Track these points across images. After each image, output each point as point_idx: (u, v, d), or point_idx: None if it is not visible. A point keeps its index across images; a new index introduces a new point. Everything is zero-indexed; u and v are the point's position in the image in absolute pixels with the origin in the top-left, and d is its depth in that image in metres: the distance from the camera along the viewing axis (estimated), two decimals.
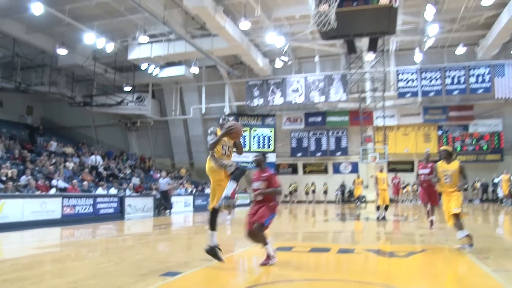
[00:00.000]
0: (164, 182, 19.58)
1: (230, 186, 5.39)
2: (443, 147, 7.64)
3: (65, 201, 14.42)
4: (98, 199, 16.18)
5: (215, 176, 5.74)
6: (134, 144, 33.16)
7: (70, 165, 20.04)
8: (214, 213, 5.76)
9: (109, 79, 26.93)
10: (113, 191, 18.48)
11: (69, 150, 22.88)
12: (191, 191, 24.98)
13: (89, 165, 21.74)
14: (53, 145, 22.58)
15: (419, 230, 10.86)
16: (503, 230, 11.94)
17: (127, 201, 17.61)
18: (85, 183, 18.02)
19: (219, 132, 5.79)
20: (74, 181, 17.16)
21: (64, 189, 16.38)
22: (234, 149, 6.03)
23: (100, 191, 17.77)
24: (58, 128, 30.97)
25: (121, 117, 31.72)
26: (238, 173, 5.44)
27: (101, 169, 22.09)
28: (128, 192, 19.37)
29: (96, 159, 22.65)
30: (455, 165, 7.25)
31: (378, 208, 13.94)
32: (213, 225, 5.74)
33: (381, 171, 14.39)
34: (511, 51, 24.71)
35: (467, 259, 6.19)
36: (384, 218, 13.56)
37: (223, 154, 5.80)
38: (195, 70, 27.48)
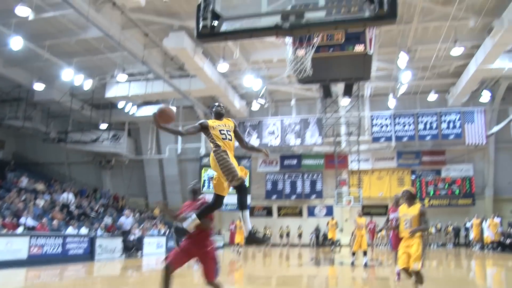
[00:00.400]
0: (127, 221, 18.95)
1: (247, 220, 4.82)
2: (405, 188, 7.17)
3: (33, 241, 13.91)
4: (68, 239, 15.67)
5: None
6: (108, 183, 32.57)
7: (40, 202, 19.47)
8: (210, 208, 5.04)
9: (85, 116, 26.67)
10: (84, 230, 17.96)
11: (40, 186, 22.30)
12: (164, 232, 24.44)
13: (60, 202, 21.18)
14: (24, 181, 21.97)
15: (394, 275, 10.76)
16: (475, 276, 11.95)
17: (98, 241, 17.10)
18: (55, 221, 17.48)
19: (211, 123, 5.12)
20: (44, 219, 16.64)
21: (32, 228, 15.82)
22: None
23: (70, 230, 17.21)
24: (30, 163, 30.25)
25: (95, 154, 31.25)
26: (245, 198, 4.91)
27: (72, 208, 21.53)
28: (99, 232, 18.83)
29: (68, 196, 22.09)
30: (415, 209, 6.84)
31: (353, 254, 13.85)
32: (201, 215, 5.02)
33: (360, 216, 14.33)
34: (480, 98, 25.47)
35: None
36: (365, 264, 13.34)
37: (223, 138, 5.00)
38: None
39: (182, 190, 31.13)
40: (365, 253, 13.69)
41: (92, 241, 16.78)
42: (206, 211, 5.08)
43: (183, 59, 20.37)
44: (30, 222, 16.29)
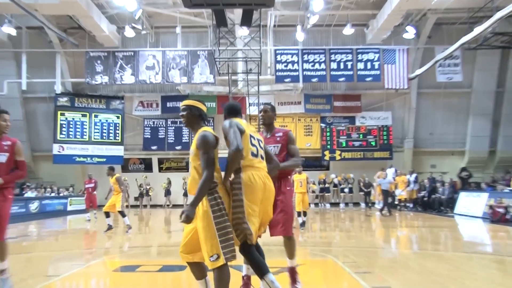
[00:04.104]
0: None
1: None
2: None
3: None
4: None
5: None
6: None
7: None
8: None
9: None
10: None
11: None
12: None
13: None
14: None
15: (309, 239, 11.73)
16: (389, 241, 13.49)
17: None
18: None
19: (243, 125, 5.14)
20: None
21: None
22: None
23: None
24: None
25: None
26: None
27: None
28: None
29: None
30: None
31: (298, 214, 15.09)
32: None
33: (299, 173, 15.46)
34: (403, 35, 27.42)
35: (347, 275, 7.13)
36: (304, 223, 15.05)
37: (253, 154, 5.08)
38: (10, 30, 26.17)
39: (30, 139, 30.42)
40: (304, 214, 15.40)
41: None
42: None
43: None
44: None
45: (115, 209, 15.15)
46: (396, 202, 26.36)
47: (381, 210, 22.50)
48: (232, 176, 4.84)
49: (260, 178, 4.85)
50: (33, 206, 24.17)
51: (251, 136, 5.02)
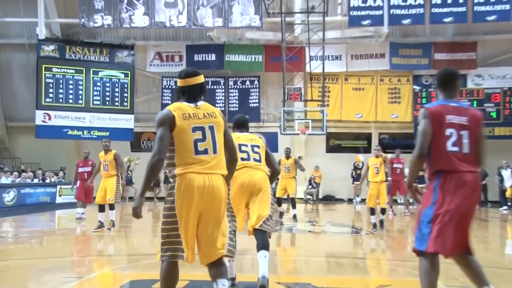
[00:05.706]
0: None
1: None
2: None
3: None
4: None
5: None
6: None
7: None
8: None
9: None
10: None
11: None
12: None
13: None
14: None
15: (389, 250, 11.53)
16: None
17: None
18: None
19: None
20: None
21: None
22: None
23: None
24: None
25: None
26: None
27: None
28: None
29: None
30: None
31: (372, 211, 15.37)
32: None
33: (376, 156, 15.42)
34: None
35: None
36: (382, 224, 15.35)
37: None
38: None
39: (2, 103, 30.82)
40: (383, 211, 15.70)
41: None
42: None
43: None
44: None
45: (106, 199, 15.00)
46: None
47: None
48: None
49: (247, 172, 7.37)
50: (8, 197, 24.33)
51: (241, 145, 7.47)
